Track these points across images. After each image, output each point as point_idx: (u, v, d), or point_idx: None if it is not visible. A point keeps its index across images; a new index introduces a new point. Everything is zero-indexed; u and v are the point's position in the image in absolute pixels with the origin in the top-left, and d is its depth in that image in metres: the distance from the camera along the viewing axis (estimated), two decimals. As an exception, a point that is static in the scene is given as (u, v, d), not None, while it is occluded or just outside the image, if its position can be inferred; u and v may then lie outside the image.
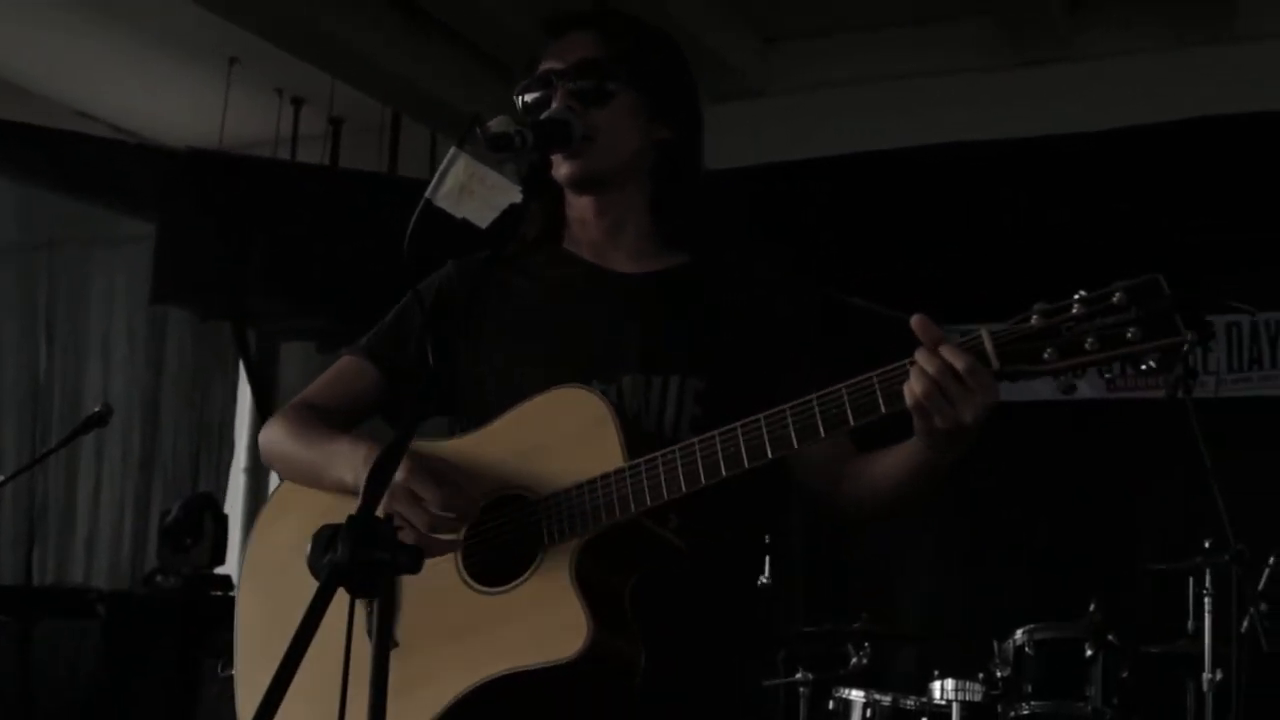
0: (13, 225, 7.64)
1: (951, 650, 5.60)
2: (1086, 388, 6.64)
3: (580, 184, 2.35)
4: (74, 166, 7.45)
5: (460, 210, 2.03)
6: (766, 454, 1.99)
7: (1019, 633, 5.10)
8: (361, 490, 1.73)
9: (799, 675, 5.48)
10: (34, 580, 7.83)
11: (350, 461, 2.20)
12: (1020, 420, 6.54)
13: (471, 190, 2.03)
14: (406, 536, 2.06)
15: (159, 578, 6.75)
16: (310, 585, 2.16)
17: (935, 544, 6.55)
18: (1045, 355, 1.82)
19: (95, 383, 7.99)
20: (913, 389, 1.89)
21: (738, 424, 2.02)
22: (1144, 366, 1.80)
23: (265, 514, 2.45)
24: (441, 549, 2.11)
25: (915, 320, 1.90)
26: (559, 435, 2.14)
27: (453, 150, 2.03)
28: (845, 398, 1.94)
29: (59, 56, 7.62)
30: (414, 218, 1.99)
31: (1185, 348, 1.79)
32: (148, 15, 7.09)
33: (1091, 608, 5.06)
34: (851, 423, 1.94)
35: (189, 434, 8.24)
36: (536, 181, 2.15)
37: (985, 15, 6.94)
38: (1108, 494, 6.34)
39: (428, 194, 2.01)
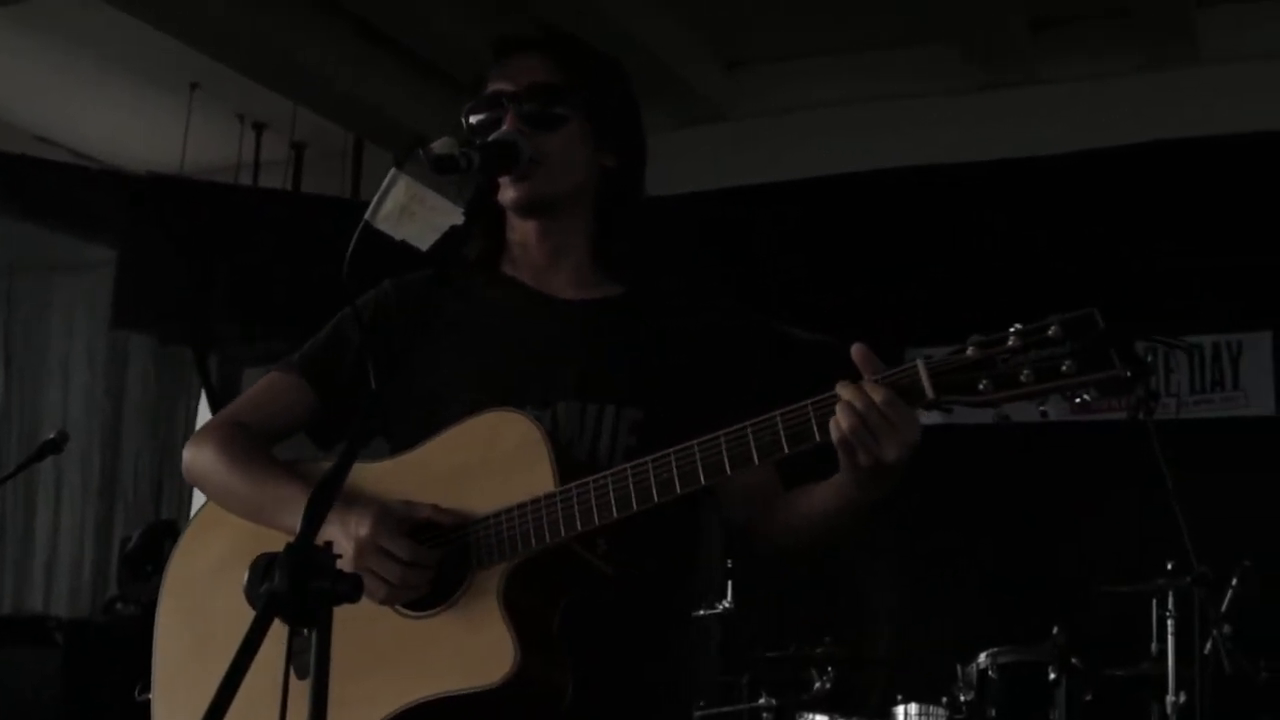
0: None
1: (915, 674, 5.60)
2: (1050, 410, 6.65)
3: (526, 208, 2.32)
4: (34, 192, 7.39)
5: (400, 232, 2.01)
6: (699, 480, 1.98)
7: (982, 656, 5.11)
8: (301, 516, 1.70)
9: (762, 700, 5.46)
10: (-9, 608, 7.75)
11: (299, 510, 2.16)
12: (983, 442, 6.57)
13: (412, 212, 2.00)
14: (377, 591, 2.06)
15: (119, 605, 6.68)
16: (234, 608, 2.17)
17: (899, 567, 6.54)
18: (980, 386, 1.83)
19: (55, 409, 7.92)
20: (837, 422, 1.88)
21: (671, 450, 2.00)
22: (1079, 399, 1.81)
23: (189, 533, 2.41)
24: (410, 598, 2.10)
25: (855, 351, 1.91)
26: (490, 458, 2.12)
27: (392, 171, 2.00)
28: (779, 425, 1.93)
29: (19, 82, 7.55)
30: (353, 240, 1.96)
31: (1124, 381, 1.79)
32: (108, 41, 7.02)
33: (1055, 631, 5.06)
34: (785, 450, 1.93)
35: (150, 460, 8.15)
36: (481, 204, 2.13)
37: (949, 39, 6.95)
38: (1067, 516, 6.34)
39: (367, 216, 1.98)
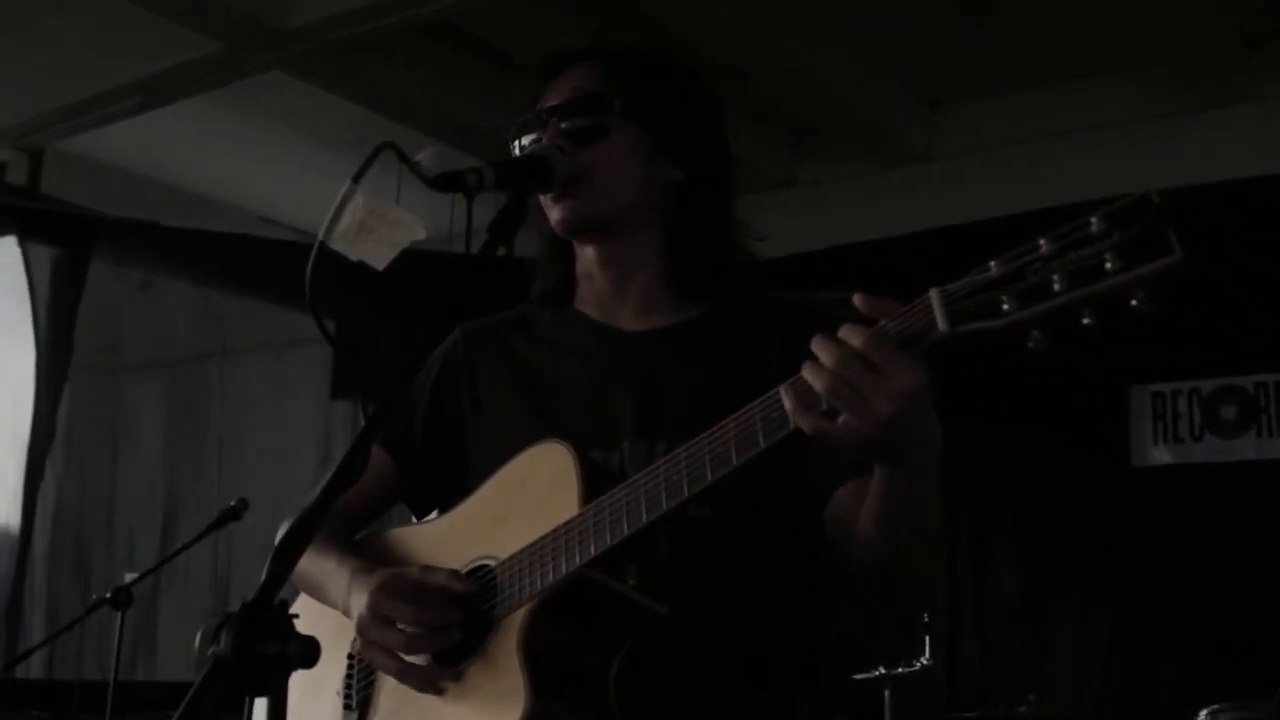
0: (190, 333, 7.87)
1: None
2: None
3: (573, 230, 2.12)
4: (252, 270, 7.67)
5: (357, 252, 1.87)
6: (706, 476, 1.73)
7: (1201, 715, 4.72)
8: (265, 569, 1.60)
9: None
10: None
11: (337, 583, 2.05)
12: (1199, 483, 6.17)
13: (370, 228, 1.86)
14: (388, 666, 1.95)
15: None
16: (315, 695, 2.09)
17: (1110, 619, 6.16)
18: (1004, 306, 1.47)
19: (274, 480, 8.10)
20: (811, 382, 1.59)
21: (682, 448, 1.77)
22: (1134, 302, 1.41)
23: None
24: (426, 674, 1.96)
25: (857, 299, 1.61)
26: (527, 494, 1.96)
27: (348, 184, 1.80)
28: (757, 415, 1.69)
29: (240, 165, 7.90)
30: (310, 263, 1.77)
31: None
32: (321, 121, 7.29)
33: (1282, 686, 4.66)
34: (762, 443, 1.67)
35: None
36: (509, 227, 1.91)
37: (1158, 62, 6.62)
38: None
39: (321, 235, 1.79)
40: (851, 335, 1.57)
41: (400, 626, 1.93)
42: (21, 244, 7.23)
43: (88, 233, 7.44)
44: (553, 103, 2.12)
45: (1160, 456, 6.40)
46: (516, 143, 2.16)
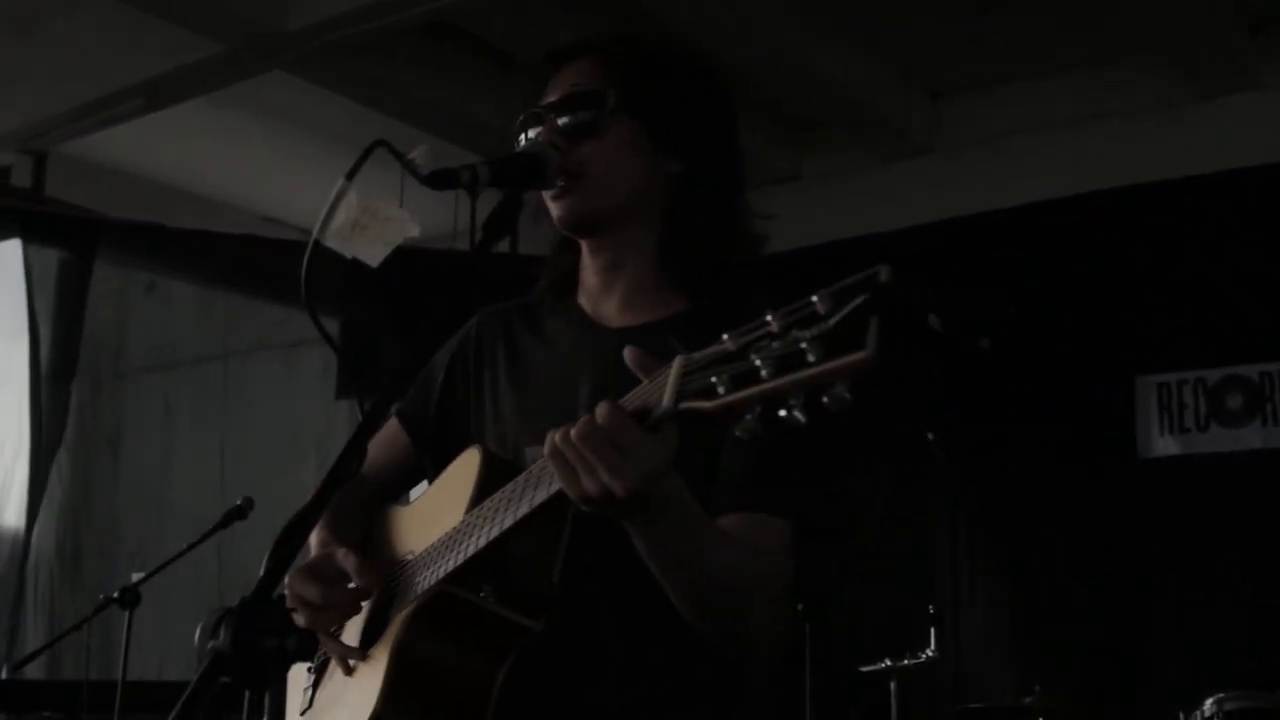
0: (194, 334, 7.86)
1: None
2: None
3: (572, 226, 2.12)
4: (257, 270, 7.65)
5: (351, 249, 1.87)
6: (531, 501, 1.72)
7: (1208, 703, 4.70)
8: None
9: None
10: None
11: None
12: (1213, 473, 6.16)
13: (364, 226, 1.87)
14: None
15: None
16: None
17: (1118, 610, 6.14)
18: (718, 389, 1.37)
19: (279, 479, 8.09)
20: (554, 443, 1.62)
21: (538, 463, 1.74)
22: (826, 399, 1.28)
23: None
24: (344, 652, 2.02)
25: (626, 352, 1.59)
26: (447, 496, 1.99)
27: (341, 181, 1.80)
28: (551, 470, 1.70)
29: (244, 165, 7.90)
30: (305, 260, 1.78)
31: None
32: (321, 119, 7.26)
33: (1292, 674, 4.65)
34: (530, 505, 1.73)
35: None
36: (502, 224, 1.90)
37: (1160, 50, 6.60)
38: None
39: (315, 233, 1.80)
40: (599, 409, 1.58)
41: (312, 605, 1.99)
42: (25, 247, 7.23)
43: (91, 235, 7.41)
44: (550, 99, 2.12)
45: (1166, 447, 6.38)
46: (520, 139, 2.16)
